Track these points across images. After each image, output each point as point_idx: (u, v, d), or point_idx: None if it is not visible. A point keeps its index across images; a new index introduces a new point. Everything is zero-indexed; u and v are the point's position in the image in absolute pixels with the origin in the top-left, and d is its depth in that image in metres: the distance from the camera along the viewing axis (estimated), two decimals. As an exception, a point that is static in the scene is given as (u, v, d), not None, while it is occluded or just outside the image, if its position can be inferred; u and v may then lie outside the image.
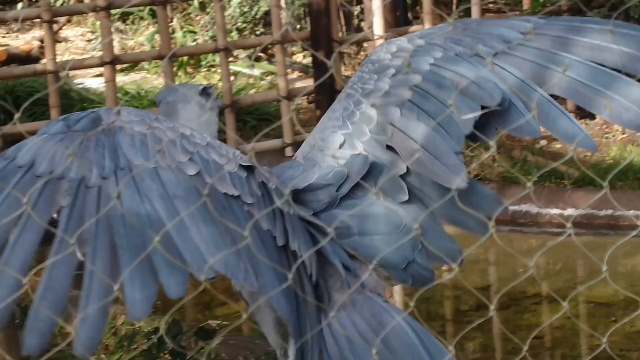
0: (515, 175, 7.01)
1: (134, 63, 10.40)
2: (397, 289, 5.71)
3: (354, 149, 3.25)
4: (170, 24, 11.64)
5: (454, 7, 9.99)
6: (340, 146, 3.28)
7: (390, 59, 3.39)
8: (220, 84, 8.93)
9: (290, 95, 7.89)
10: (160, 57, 7.55)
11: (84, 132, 2.91)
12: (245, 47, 9.97)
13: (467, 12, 8.36)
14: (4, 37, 13.68)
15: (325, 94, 7.75)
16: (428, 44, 3.42)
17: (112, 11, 11.85)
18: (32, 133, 7.23)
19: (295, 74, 10.66)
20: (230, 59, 11.42)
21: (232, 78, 10.58)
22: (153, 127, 2.96)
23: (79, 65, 8.11)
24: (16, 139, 8.57)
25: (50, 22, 7.20)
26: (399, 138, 3.22)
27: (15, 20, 10.02)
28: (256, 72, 10.69)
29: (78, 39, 13.30)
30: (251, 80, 10.57)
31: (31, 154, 2.87)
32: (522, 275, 6.02)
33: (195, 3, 11.55)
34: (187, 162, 2.90)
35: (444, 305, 6.14)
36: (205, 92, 3.50)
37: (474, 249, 5.44)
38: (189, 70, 10.93)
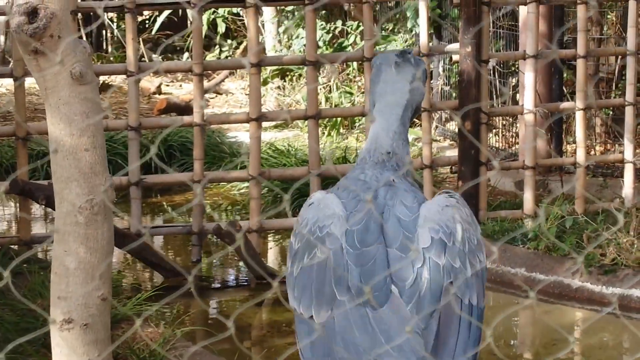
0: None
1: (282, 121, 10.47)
2: None
3: None
4: (328, 83, 11.73)
5: (614, 85, 9.74)
6: None
7: None
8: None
9: (434, 164, 7.79)
10: (305, 117, 7.56)
11: None
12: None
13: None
14: (167, 85, 14.09)
15: (469, 165, 7.62)
16: None
17: (272, 68, 12.10)
18: (180, 184, 7.32)
19: (447, 142, 10.58)
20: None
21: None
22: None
23: (226, 120, 8.20)
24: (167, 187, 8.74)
25: (201, 76, 7.31)
26: None
27: (166, 72, 10.38)
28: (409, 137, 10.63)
29: (238, 92, 13.57)
30: (402, 146, 10.50)
31: None
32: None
33: (355, 64, 11.61)
34: None
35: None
36: (401, 55, 3.52)
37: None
38: (342, 131, 10.97)
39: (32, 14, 3.23)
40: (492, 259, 6.93)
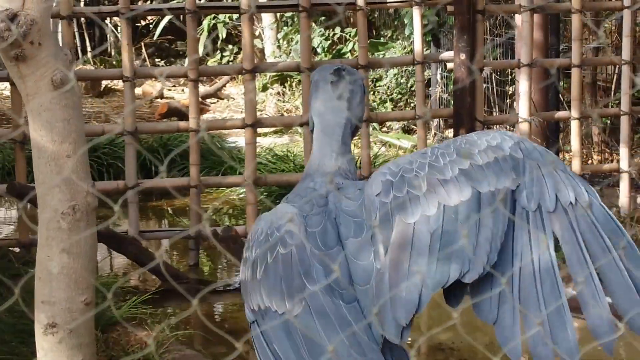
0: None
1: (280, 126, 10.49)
2: None
3: None
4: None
5: (612, 94, 9.74)
6: None
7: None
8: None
9: (429, 171, 7.80)
10: (301, 124, 7.59)
11: None
12: (387, 120, 9.96)
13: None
14: (169, 90, 14.13)
15: (464, 172, 7.62)
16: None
17: (271, 74, 12.14)
18: (178, 189, 7.37)
19: (445, 149, 10.58)
20: (384, 129, 11.45)
21: (382, 148, 10.58)
22: None
23: (222, 125, 8.23)
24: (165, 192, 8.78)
25: (196, 81, 7.34)
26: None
27: (161, 76, 10.28)
28: (407, 144, 10.65)
29: (240, 97, 13.60)
30: (401, 152, 10.55)
31: None
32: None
33: (354, 71, 11.62)
34: None
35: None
36: (336, 72, 3.47)
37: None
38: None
39: (12, 20, 3.25)
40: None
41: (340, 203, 3.30)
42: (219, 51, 14.87)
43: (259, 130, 7.51)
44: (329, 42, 11.86)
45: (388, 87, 11.47)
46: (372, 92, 11.46)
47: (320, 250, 3.19)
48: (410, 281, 3.07)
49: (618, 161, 8.12)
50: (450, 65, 7.79)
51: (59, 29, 9.28)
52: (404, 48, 11.45)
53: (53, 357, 3.83)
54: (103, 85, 13.69)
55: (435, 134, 11.06)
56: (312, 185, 3.41)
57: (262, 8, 8.69)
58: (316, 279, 3.14)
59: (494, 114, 10.04)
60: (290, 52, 12.26)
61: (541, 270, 3.09)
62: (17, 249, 7.24)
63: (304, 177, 3.49)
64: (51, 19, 9.63)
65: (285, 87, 12.48)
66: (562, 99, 9.09)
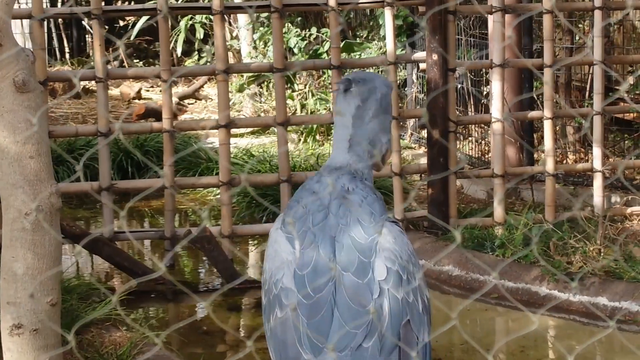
0: (620, 270, 6.74)
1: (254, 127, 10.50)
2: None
3: None
4: (303, 90, 11.77)
5: (587, 94, 9.78)
6: None
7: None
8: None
9: (403, 172, 7.83)
10: (274, 125, 7.60)
11: None
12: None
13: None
14: (147, 90, 14.12)
15: (438, 173, 7.66)
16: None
17: (248, 74, 12.15)
18: (155, 190, 7.32)
19: (422, 150, 10.62)
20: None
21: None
22: None
23: (195, 126, 8.25)
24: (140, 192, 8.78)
25: (170, 82, 7.36)
26: None
27: (136, 78, 10.37)
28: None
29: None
30: (377, 152, 10.55)
31: None
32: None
33: (330, 72, 11.63)
34: None
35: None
36: (347, 83, 3.30)
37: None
38: (318, 138, 11.00)
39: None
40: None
41: (348, 225, 3.21)
42: (196, 52, 14.87)
43: (236, 131, 7.53)
44: (305, 42, 11.85)
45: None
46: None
47: (308, 298, 3.11)
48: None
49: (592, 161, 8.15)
50: (423, 66, 7.81)
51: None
52: (380, 49, 11.47)
53: (19, 358, 3.83)
54: (81, 87, 13.67)
55: (411, 134, 11.08)
56: (316, 186, 3.29)
57: (234, 9, 8.69)
58: (305, 346, 3.08)
59: (469, 113, 10.06)
60: (266, 53, 12.26)
61: None
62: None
63: (319, 171, 3.37)
64: (26, 20, 9.54)
65: (262, 87, 12.48)
66: (536, 98, 9.12)
